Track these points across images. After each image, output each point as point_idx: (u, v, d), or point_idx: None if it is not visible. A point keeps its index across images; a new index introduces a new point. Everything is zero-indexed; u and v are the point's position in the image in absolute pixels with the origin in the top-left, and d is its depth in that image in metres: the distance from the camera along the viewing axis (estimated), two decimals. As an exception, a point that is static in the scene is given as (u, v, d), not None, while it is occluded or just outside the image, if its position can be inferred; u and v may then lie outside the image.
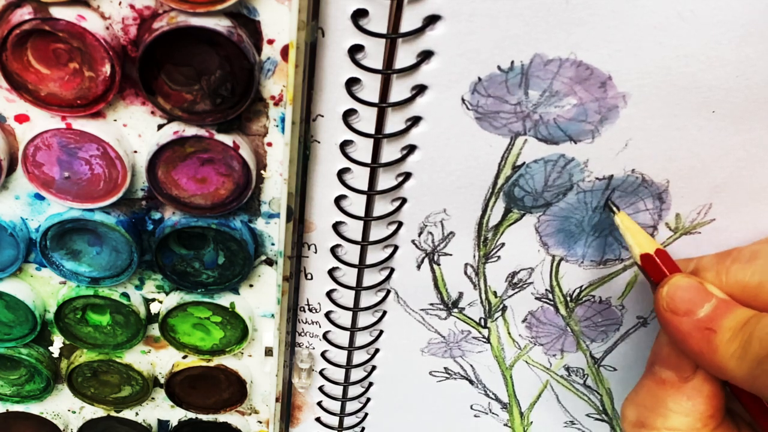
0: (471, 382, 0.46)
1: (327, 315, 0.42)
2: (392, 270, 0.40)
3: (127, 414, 0.46)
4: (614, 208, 0.35)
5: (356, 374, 0.45)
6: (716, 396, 0.34)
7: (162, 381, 0.44)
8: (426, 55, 0.31)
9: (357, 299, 0.41)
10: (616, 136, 0.33)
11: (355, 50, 0.31)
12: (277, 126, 0.33)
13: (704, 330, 0.32)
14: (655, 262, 0.35)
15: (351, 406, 0.47)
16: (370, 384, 0.46)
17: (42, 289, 0.40)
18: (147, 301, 0.40)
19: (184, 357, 0.43)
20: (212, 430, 0.47)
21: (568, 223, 0.37)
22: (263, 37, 0.30)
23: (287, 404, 0.47)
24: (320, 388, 0.46)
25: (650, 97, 0.32)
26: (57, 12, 0.29)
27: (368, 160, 0.35)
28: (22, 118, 0.33)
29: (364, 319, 0.42)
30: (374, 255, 0.39)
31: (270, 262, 0.38)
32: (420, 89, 0.32)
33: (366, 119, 0.33)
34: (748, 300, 0.33)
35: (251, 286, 0.39)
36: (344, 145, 0.34)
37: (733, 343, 0.31)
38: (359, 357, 0.44)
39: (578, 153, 0.34)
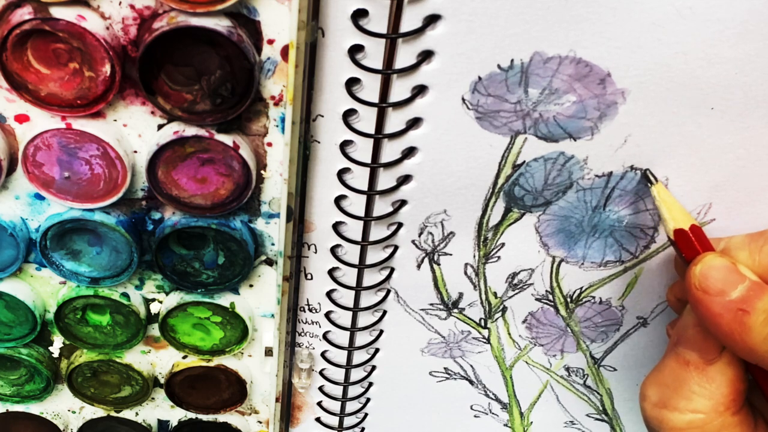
0: (471, 382, 0.46)
1: (327, 315, 0.42)
2: (392, 270, 0.40)
3: (127, 414, 0.46)
4: (652, 179, 0.35)
5: (356, 374, 0.45)
6: (739, 380, 0.34)
7: (162, 381, 0.44)
8: (426, 55, 0.31)
9: (357, 299, 0.41)
10: (615, 133, 0.33)
11: (355, 50, 0.31)
12: (277, 126, 0.33)
13: (737, 311, 0.31)
14: (689, 238, 0.34)
15: (351, 406, 0.47)
16: (370, 384, 0.46)
17: (42, 289, 0.40)
18: (147, 301, 0.40)
19: (184, 357, 0.43)
20: (212, 430, 0.47)
21: (568, 223, 0.37)
22: (263, 37, 0.31)
23: (287, 404, 0.47)
24: (320, 388, 0.46)
25: (649, 94, 0.32)
26: (57, 12, 0.29)
27: (368, 160, 0.35)
28: (22, 118, 0.33)
29: (364, 319, 0.42)
30: (374, 255, 0.39)
31: (270, 262, 0.38)
32: (420, 89, 0.32)
33: (366, 119, 0.33)
34: None
35: (251, 286, 0.39)
36: (344, 145, 0.34)
37: (767, 324, 0.31)
38: (359, 357, 0.44)
39: (578, 150, 0.34)
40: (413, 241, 0.38)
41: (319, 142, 0.34)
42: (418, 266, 0.39)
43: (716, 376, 0.34)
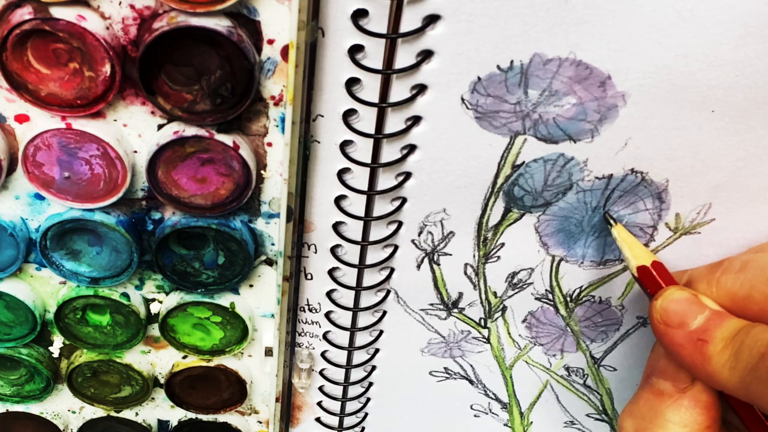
0: (471, 382, 0.46)
1: (327, 315, 0.42)
2: (392, 270, 0.40)
3: (127, 414, 0.46)
4: (611, 221, 0.36)
5: (356, 374, 0.45)
6: (713, 406, 0.34)
7: (162, 381, 0.44)
8: (426, 55, 0.31)
9: (357, 299, 0.41)
10: (615, 136, 0.33)
11: (355, 50, 0.31)
12: (277, 126, 0.33)
13: (696, 341, 0.32)
14: (651, 274, 0.35)
15: (351, 406, 0.47)
16: (370, 384, 0.46)
17: (42, 289, 0.40)
18: (147, 301, 0.40)
19: (184, 357, 0.43)
20: (212, 430, 0.47)
21: (567, 223, 0.37)
22: (263, 37, 0.31)
23: (287, 404, 0.47)
24: (320, 388, 0.46)
25: (650, 97, 0.32)
26: (57, 12, 0.29)
27: (368, 160, 0.35)
28: (22, 118, 0.33)
29: (364, 319, 0.42)
30: (374, 255, 0.39)
31: (270, 262, 0.38)
32: (420, 89, 0.32)
33: (366, 119, 0.33)
34: (738, 310, 0.33)
35: (251, 286, 0.39)
36: (344, 145, 0.34)
37: (725, 352, 0.31)
38: (359, 357, 0.44)
39: (578, 152, 0.34)
40: (413, 241, 0.38)
41: (319, 142, 0.34)
42: (418, 266, 0.39)
43: (690, 404, 0.34)
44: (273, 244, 0.37)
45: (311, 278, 0.40)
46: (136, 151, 0.34)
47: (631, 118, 0.33)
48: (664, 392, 0.35)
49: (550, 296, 0.41)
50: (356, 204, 0.37)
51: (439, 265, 0.39)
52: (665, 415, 0.34)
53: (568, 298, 0.41)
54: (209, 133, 0.33)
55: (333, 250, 0.39)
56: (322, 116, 0.34)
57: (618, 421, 0.37)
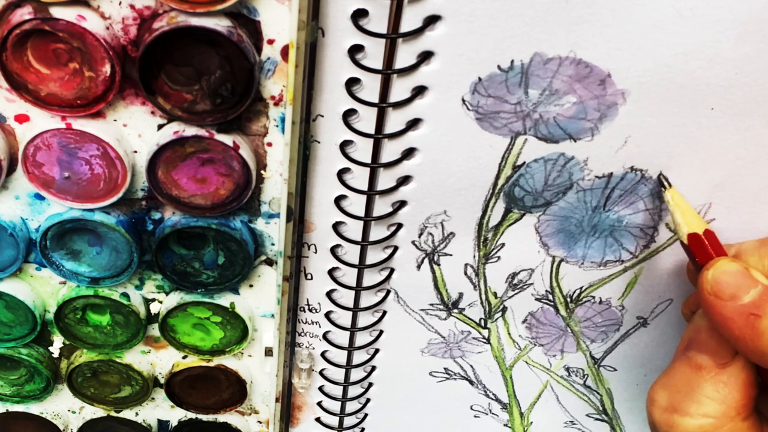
0: (471, 382, 0.46)
1: (327, 315, 0.42)
2: (392, 270, 0.40)
3: (127, 414, 0.46)
4: (665, 183, 0.35)
5: (356, 374, 0.45)
6: (751, 385, 0.34)
7: (162, 381, 0.44)
8: (426, 56, 0.31)
9: (357, 299, 0.41)
10: (615, 134, 0.33)
11: (355, 50, 0.31)
12: (277, 126, 0.33)
13: (749, 315, 0.32)
14: (703, 242, 0.34)
15: (351, 406, 0.47)
16: (370, 384, 0.46)
17: (42, 289, 0.40)
18: (147, 301, 0.40)
19: (184, 357, 0.43)
20: (212, 430, 0.47)
21: (568, 223, 0.37)
22: (263, 37, 0.31)
23: (287, 404, 0.47)
24: (320, 388, 0.46)
25: (649, 95, 0.32)
26: (57, 12, 0.29)
27: (368, 161, 0.35)
28: (22, 118, 0.33)
29: (364, 319, 0.42)
30: (374, 255, 0.39)
31: (270, 262, 0.38)
32: (420, 90, 0.32)
33: (366, 119, 0.33)
34: None
35: (251, 286, 0.39)
36: (344, 145, 0.34)
37: None
38: (359, 357, 0.44)
39: (578, 151, 0.34)
40: (413, 242, 0.38)
41: (319, 142, 0.34)
42: (418, 267, 0.39)
43: (729, 380, 0.34)
44: (273, 244, 0.37)
45: (311, 278, 0.40)
46: (136, 151, 0.34)
47: (631, 116, 0.33)
48: (702, 366, 0.34)
49: (551, 297, 0.41)
50: (356, 204, 0.37)
51: (439, 265, 0.39)
52: (702, 389, 0.34)
53: (569, 299, 0.41)
54: (209, 133, 0.33)
55: (333, 250, 0.39)
56: (322, 116, 0.34)
57: (649, 393, 0.36)
